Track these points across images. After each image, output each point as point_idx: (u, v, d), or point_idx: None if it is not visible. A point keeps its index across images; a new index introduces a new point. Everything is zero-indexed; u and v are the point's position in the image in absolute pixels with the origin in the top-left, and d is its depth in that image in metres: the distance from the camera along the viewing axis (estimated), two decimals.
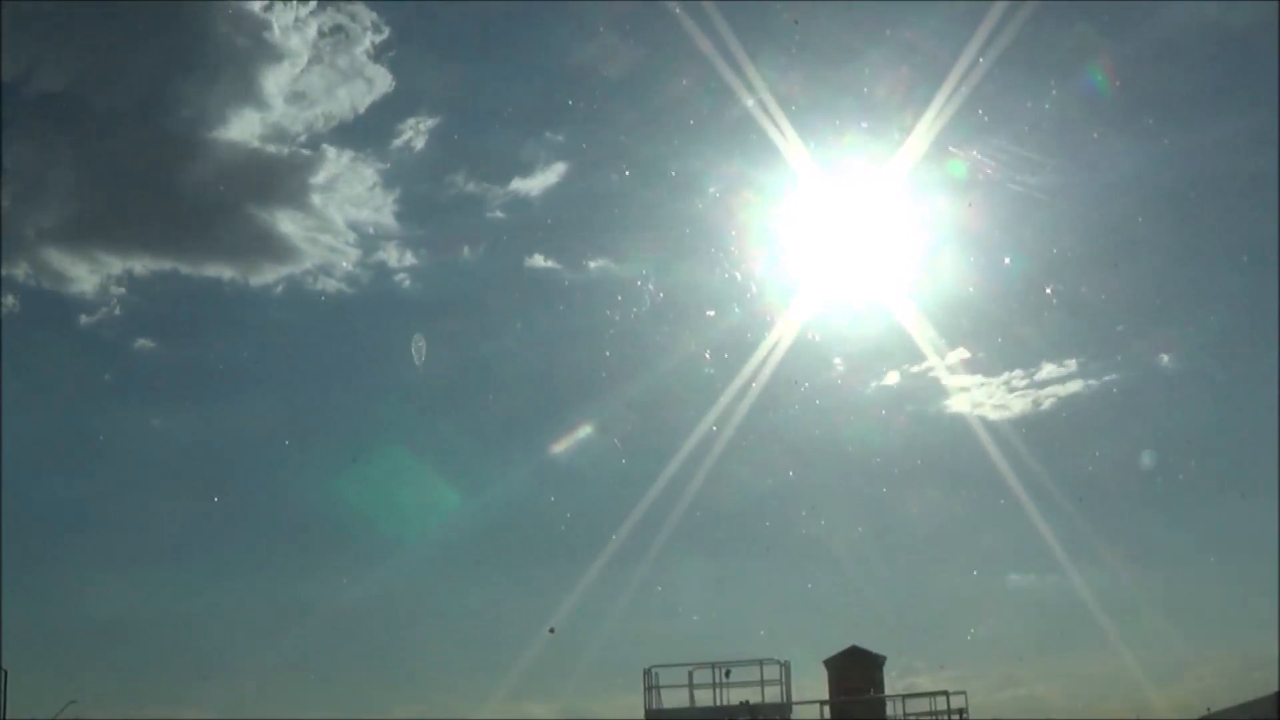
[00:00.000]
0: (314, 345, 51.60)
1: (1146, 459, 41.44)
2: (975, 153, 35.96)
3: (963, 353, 42.44)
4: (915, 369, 45.00)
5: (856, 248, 39.67)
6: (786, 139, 33.99)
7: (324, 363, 51.54)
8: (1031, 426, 43.22)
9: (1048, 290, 40.05)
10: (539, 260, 48.68)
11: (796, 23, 35.81)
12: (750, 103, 33.57)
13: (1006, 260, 39.53)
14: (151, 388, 49.85)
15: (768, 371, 36.04)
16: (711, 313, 39.92)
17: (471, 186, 49.91)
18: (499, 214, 49.75)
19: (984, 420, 43.29)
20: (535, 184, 48.34)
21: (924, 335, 37.90)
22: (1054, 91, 38.76)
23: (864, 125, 36.43)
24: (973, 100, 33.33)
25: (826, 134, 36.56)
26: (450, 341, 50.42)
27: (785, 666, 28.08)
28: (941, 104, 32.81)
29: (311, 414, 49.78)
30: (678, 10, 34.92)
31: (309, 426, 49.00)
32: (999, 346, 43.01)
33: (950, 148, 35.48)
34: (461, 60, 51.34)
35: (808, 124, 34.78)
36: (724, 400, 36.13)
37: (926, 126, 33.38)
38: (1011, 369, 45.15)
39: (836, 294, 40.47)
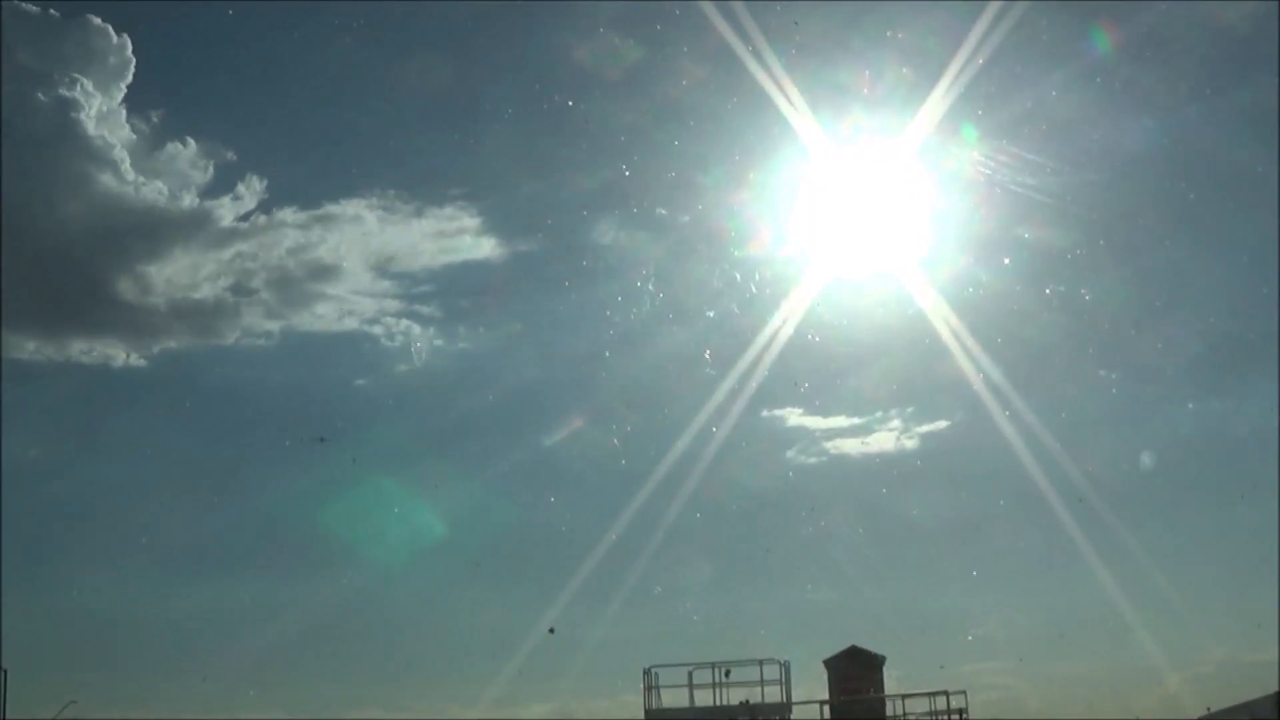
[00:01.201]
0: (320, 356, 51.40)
1: (1146, 459, 41.43)
2: (976, 153, 35.94)
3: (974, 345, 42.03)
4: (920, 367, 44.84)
5: (853, 247, 39.77)
6: (786, 130, 34.09)
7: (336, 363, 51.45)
8: (1036, 425, 43.05)
9: (1047, 291, 39.96)
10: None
11: (797, 23, 35.65)
12: (737, 100, 33.60)
13: (1006, 260, 39.43)
14: None
15: (764, 369, 36.06)
16: (711, 313, 39.91)
17: None
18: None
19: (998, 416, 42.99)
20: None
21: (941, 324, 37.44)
22: (1053, 92, 38.68)
23: (864, 124, 36.33)
24: (969, 96, 33.36)
25: (829, 125, 36.43)
26: (445, 335, 50.42)
27: (785, 666, 28.12)
28: (939, 98, 32.84)
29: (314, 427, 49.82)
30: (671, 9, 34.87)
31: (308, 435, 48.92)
32: (999, 346, 42.86)
33: (952, 147, 35.51)
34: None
35: (805, 121, 34.64)
36: (721, 398, 36.16)
37: (926, 118, 33.44)
38: (1018, 368, 44.95)
39: (833, 293, 40.49)
